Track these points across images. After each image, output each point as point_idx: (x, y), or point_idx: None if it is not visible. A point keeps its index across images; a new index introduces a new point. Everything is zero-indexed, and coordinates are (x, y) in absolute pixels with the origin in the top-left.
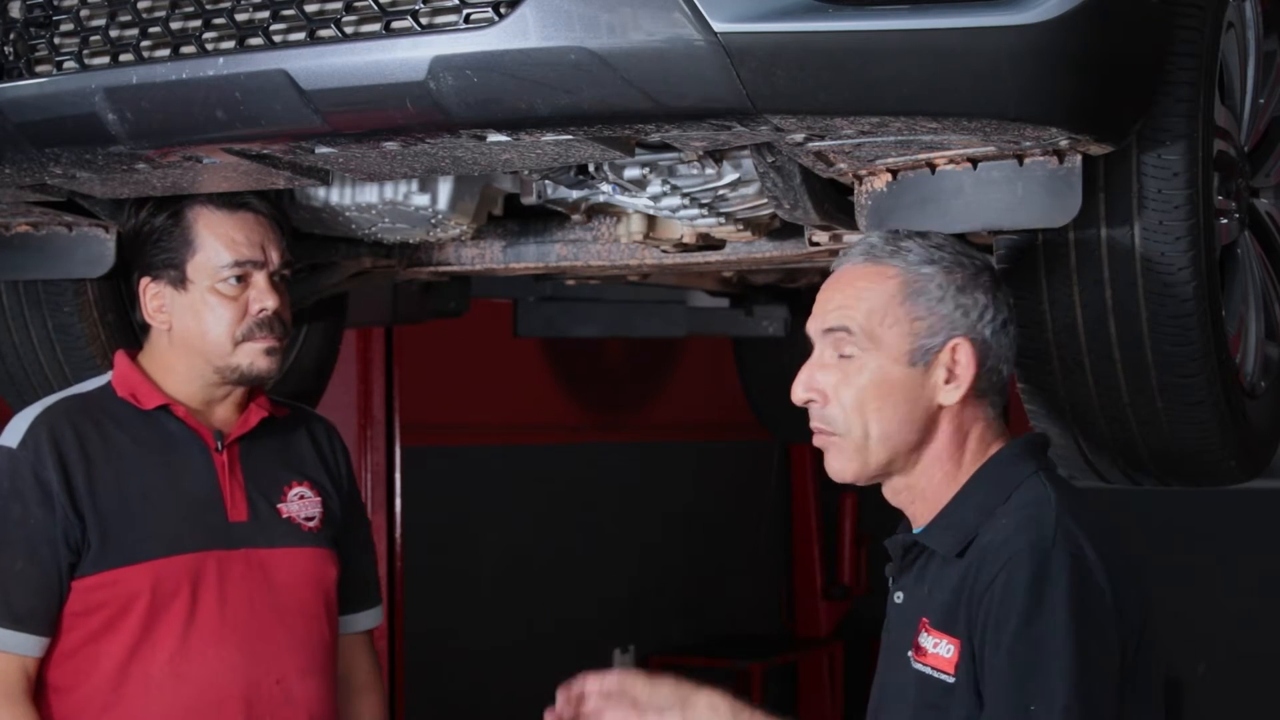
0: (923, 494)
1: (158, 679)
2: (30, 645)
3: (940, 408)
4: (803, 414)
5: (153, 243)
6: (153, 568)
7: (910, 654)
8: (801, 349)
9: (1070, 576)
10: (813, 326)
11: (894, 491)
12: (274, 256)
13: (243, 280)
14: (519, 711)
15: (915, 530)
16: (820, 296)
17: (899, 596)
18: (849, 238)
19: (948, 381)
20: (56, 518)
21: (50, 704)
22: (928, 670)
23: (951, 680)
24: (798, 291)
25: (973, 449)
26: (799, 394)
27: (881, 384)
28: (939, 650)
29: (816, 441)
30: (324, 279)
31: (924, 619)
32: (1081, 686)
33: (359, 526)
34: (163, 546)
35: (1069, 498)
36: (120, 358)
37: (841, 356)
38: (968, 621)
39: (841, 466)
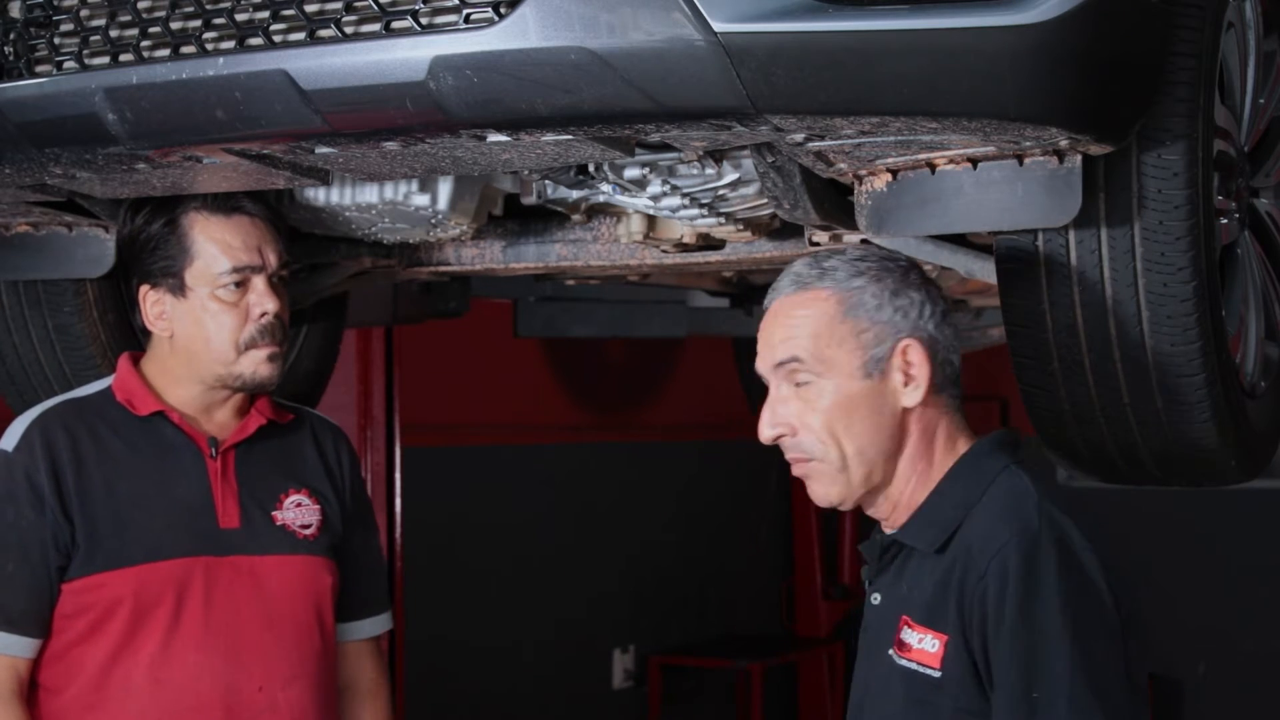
0: (898, 500)
1: (138, 683)
2: (21, 646)
3: (905, 411)
4: None
5: (149, 251)
6: (137, 573)
7: (892, 651)
8: None
9: (1059, 561)
10: (762, 365)
11: (873, 507)
12: (271, 259)
13: (242, 285)
14: (519, 711)
15: (890, 532)
16: (760, 336)
17: (876, 598)
18: (849, 238)
19: (906, 384)
20: (47, 520)
21: (41, 704)
22: (914, 666)
23: (938, 675)
24: None
25: (941, 446)
26: (766, 433)
27: (844, 402)
28: (924, 645)
29: (796, 471)
30: (324, 279)
31: (904, 616)
32: (1083, 672)
33: (366, 533)
34: (148, 552)
35: (1048, 487)
36: (122, 361)
37: (798, 385)
38: (959, 617)
39: (825, 491)
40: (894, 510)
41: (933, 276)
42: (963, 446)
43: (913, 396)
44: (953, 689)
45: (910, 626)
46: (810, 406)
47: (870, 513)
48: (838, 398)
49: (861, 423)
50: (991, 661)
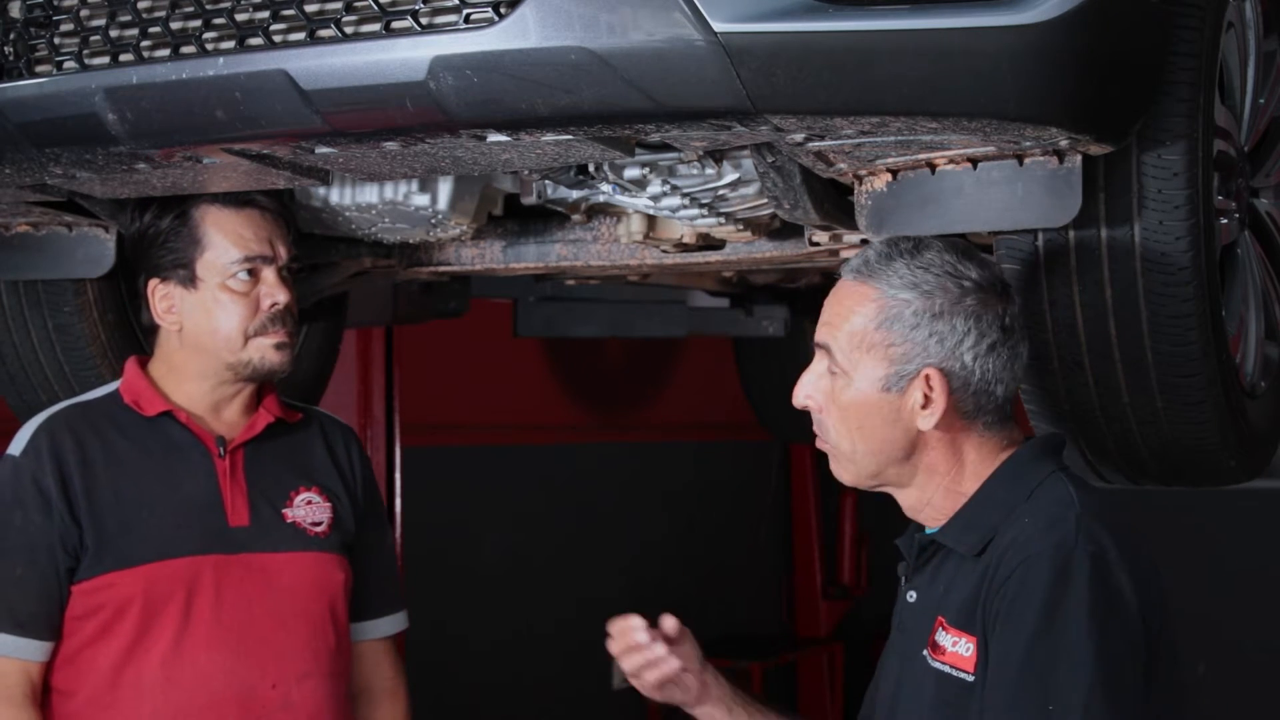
0: (930, 502)
1: (150, 682)
2: (32, 650)
3: (920, 431)
4: (803, 414)
5: (159, 244)
6: (146, 571)
7: (926, 652)
8: (802, 350)
9: (1092, 578)
10: (817, 335)
11: (905, 501)
12: (281, 251)
13: (252, 275)
14: (519, 711)
15: (929, 530)
16: (824, 305)
17: (912, 595)
18: (849, 238)
19: (924, 407)
20: (54, 524)
21: (55, 707)
22: (946, 669)
23: (971, 679)
24: (798, 291)
25: (973, 461)
26: (797, 399)
27: (860, 405)
28: (958, 649)
29: (818, 444)
30: (324, 279)
31: (940, 618)
32: (1102, 687)
33: (379, 532)
34: (157, 551)
35: (1090, 498)
36: (130, 365)
37: (830, 371)
38: (983, 617)
39: (838, 472)
40: (928, 510)
41: None
42: (1005, 455)
43: (927, 421)
44: (984, 692)
45: (945, 629)
46: (833, 395)
47: (907, 511)
48: (856, 399)
49: (875, 429)
50: (995, 660)
